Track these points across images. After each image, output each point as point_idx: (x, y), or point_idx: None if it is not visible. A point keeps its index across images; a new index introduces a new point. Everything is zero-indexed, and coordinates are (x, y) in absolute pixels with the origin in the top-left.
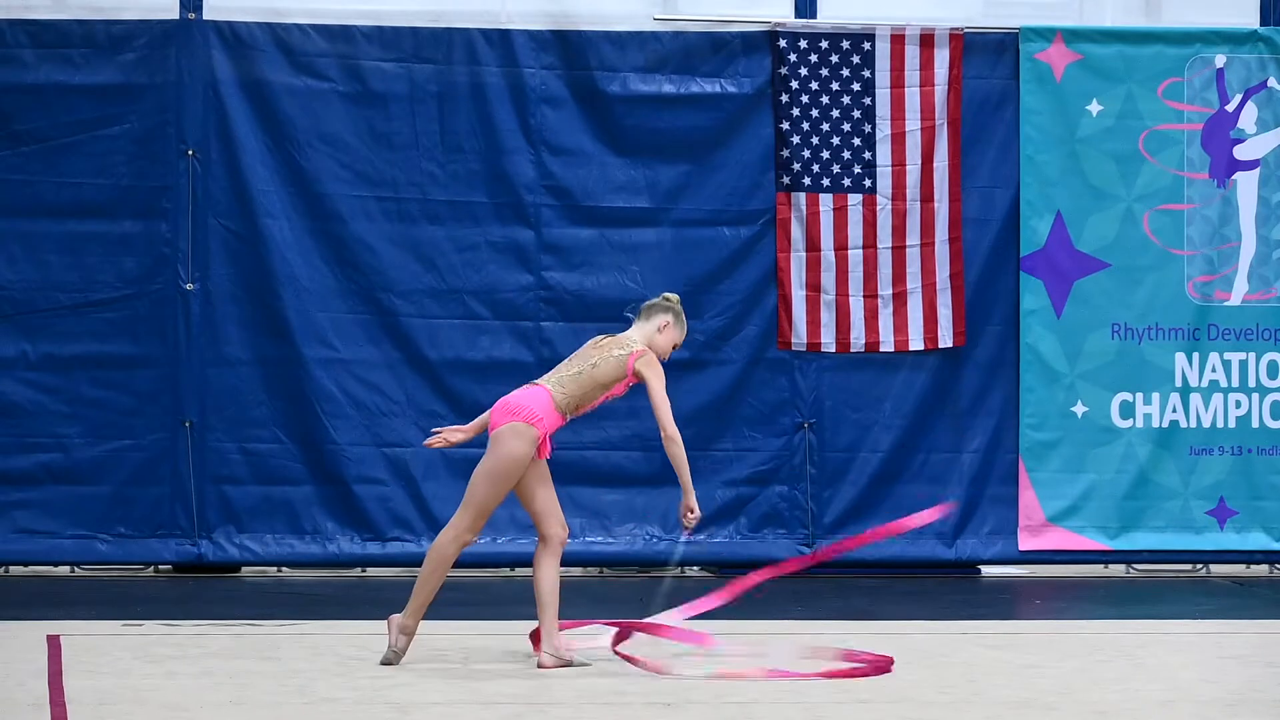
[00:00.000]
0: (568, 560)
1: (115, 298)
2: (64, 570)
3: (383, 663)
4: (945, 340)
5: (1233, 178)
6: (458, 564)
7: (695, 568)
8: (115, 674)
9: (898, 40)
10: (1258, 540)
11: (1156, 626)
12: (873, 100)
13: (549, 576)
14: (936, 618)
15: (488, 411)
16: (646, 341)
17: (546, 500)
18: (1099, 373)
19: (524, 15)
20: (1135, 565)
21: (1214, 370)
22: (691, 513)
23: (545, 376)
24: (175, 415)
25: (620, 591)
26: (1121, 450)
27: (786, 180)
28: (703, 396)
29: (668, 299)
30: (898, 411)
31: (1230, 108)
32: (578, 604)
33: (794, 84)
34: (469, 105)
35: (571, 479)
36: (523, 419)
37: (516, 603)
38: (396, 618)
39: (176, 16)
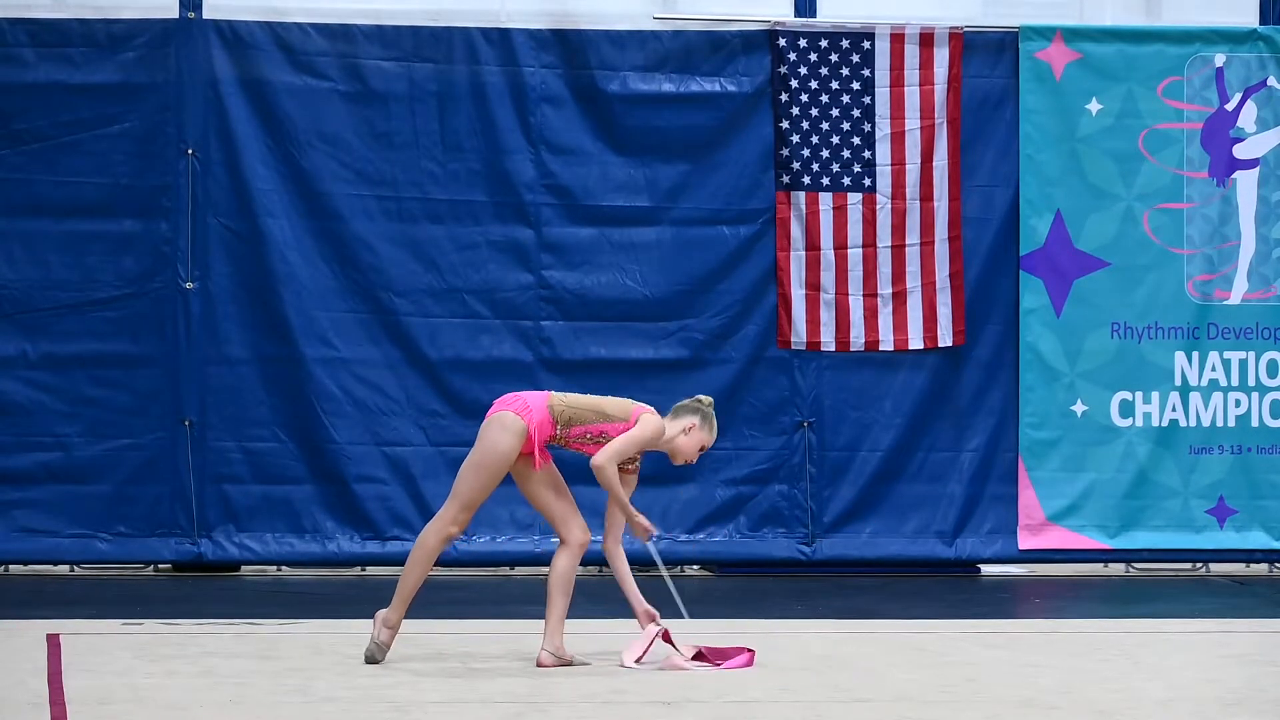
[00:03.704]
0: None
1: (115, 297)
2: (64, 569)
3: (366, 659)
4: (945, 339)
5: (1232, 177)
6: (458, 562)
7: (695, 567)
8: (115, 673)
9: (897, 39)
10: (1257, 539)
11: (1156, 625)
12: (872, 99)
13: (563, 574)
14: (936, 617)
15: None
16: (669, 437)
17: (562, 507)
18: (1099, 372)
19: (524, 14)
20: (1135, 564)
21: (1214, 369)
22: (645, 531)
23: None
24: (175, 414)
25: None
26: (1121, 449)
27: (786, 179)
28: None
29: (699, 401)
30: (897, 410)
31: (1230, 107)
32: (577, 602)
33: (793, 83)
34: (469, 104)
35: (571, 478)
36: (512, 409)
37: (517, 601)
38: (382, 613)
39: (176, 15)
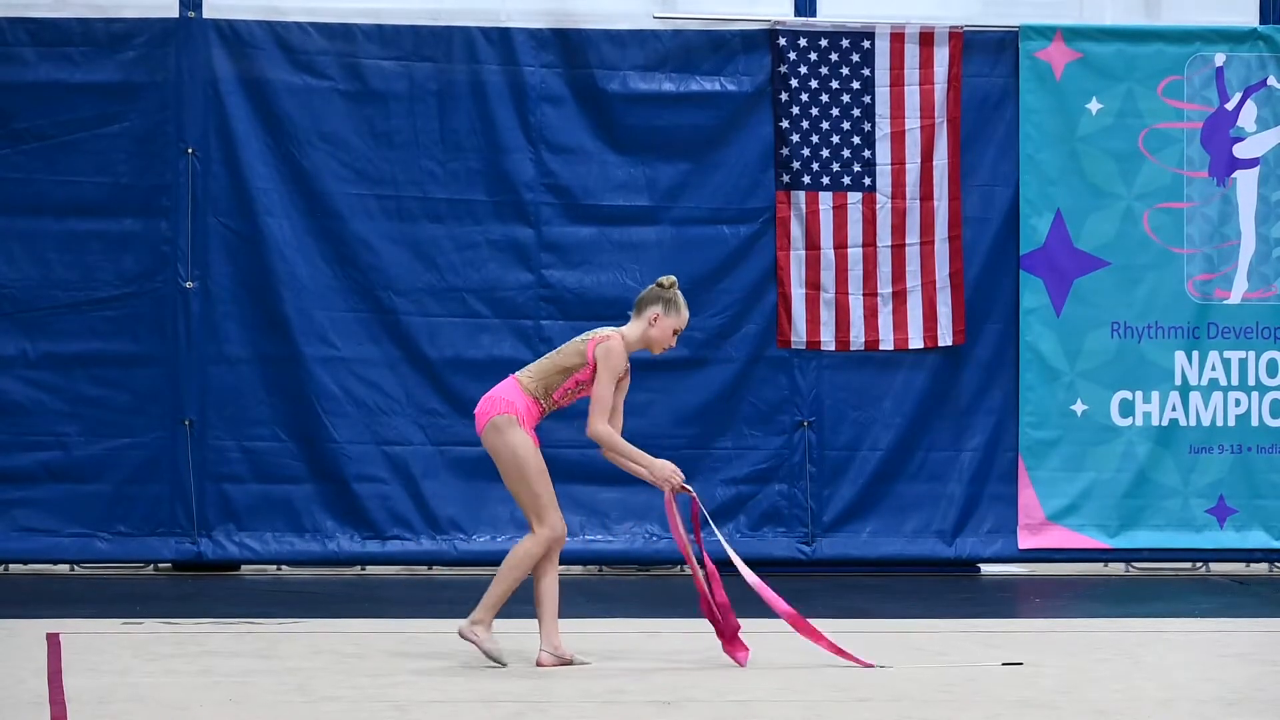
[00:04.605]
0: (567, 558)
1: (115, 296)
2: (64, 568)
3: (496, 662)
4: (945, 339)
5: (1232, 176)
6: (458, 562)
7: None
8: (115, 672)
9: (897, 38)
10: (1257, 538)
11: (1156, 625)
12: (872, 98)
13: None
14: (936, 616)
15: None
16: (639, 336)
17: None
18: (1099, 371)
19: (524, 13)
20: (1135, 564)
21: (1214, 369)
22: (667, 481)
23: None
24: (175, 414)
25: (620, 590)
26: (1121, 449)
27: (786, 178)
28: (702, 395)
29: (659, 285)
30: (897, 410)
31: (1230, 106)
32: (577, 602)
33: (793, 82)
34: (469, 104)
35: (570, 477)
36: (497, 411)
37: (516, 601)
38: (479, 629)
39: (176, 15)
